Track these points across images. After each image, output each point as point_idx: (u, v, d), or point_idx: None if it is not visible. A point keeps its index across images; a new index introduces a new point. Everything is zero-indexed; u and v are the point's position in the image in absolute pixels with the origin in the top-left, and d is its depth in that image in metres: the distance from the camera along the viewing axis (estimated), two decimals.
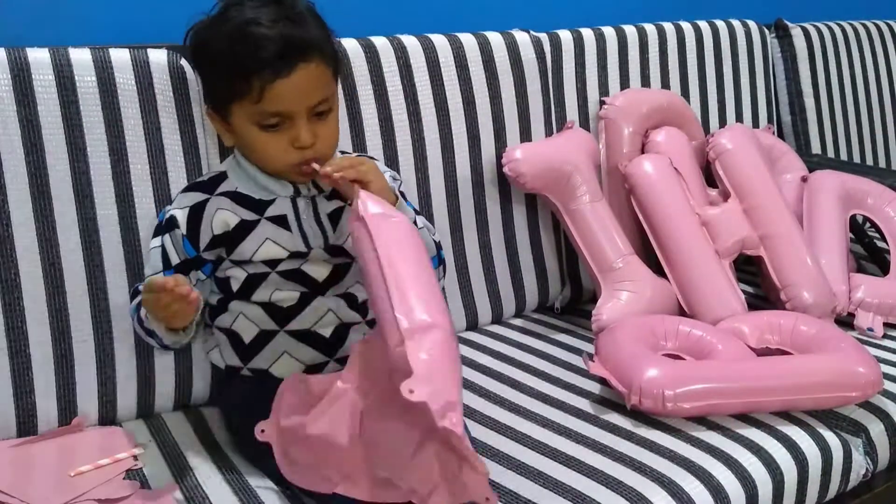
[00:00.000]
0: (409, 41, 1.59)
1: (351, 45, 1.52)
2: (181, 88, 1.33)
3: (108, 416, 1.29)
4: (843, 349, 1.40)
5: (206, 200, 1.21)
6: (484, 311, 1.68)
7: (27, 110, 1.22)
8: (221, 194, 1.22)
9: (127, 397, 1.30)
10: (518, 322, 1.71)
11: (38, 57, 1.23)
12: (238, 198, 1.22)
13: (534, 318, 1.74)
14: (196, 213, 1.21)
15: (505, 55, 1.68)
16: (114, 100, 1.27)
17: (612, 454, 1.20)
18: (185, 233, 1.20)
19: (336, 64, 1.20)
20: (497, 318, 1.70)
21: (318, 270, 1.22)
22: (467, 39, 1.65)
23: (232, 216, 1.20)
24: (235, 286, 1.22)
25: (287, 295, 1.21)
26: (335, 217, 1.24)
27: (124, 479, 1.14)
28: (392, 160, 1.53)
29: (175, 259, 1.21)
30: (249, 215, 1.21)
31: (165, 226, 1.22)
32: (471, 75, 1.63)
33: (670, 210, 1.63)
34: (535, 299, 1.76)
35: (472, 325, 1.67)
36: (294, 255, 1.21)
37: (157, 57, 1.32)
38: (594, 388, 1.40)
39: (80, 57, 1.26)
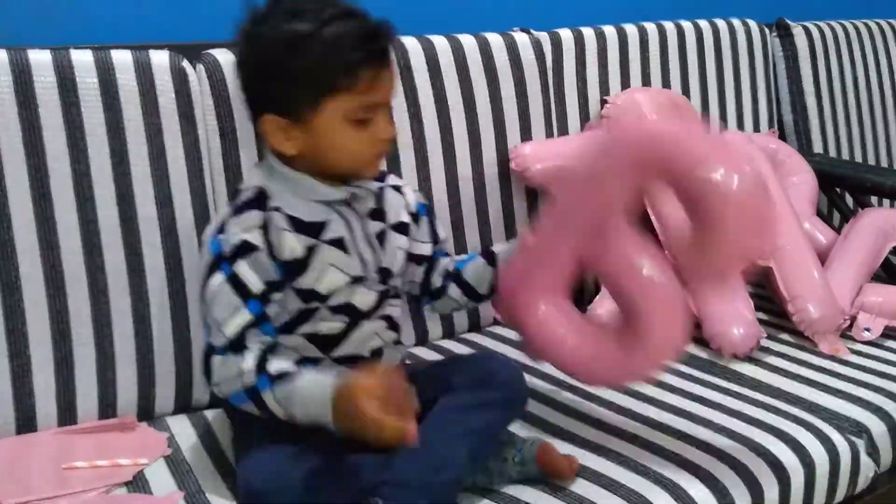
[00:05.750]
0: (410, 42, 1.58)
1: None
2: (183, 90, 1.32)
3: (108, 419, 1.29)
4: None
5: (269, 219, 1.08)
6: (486, 312, 1.67)
7: (28, 112, 1.21)
8: (274, 211, 1.09)
9: (127, 400, 1.29)
10: None
11: (40, 58, 1.23)
12: (291, 221, 1.09)
13: None
14: (266, 232, 1.07)
15: (504, 56, 1.68)
16: (115, 101, 1.27)
17: (616, 457, 1.19)
18: (267, 253, 1.07)
19: None
20: (499, 319, 1.69)
21: (365, 300, 1.15)
22: (467, 40, 1.65)
23: (295, 240, 1.09)
24: (281, 320, 1.11)
25: (331, 325, 1.14)
26: (381, 239, 1.18)
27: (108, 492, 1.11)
28: (394, 160, 1.53)
29: (257, 286, 1.05)
30: (309, 240, 1.10)
31: (236, 253, 1.06)
32: (470, 76, 1.63)
33: None
34: None
35: (475, 326, 1.67)
36: (353, 281, 1.13)
37: (159, 58, 1.31)
38: (597, 388, 1.39)
39: (82, 58, 1.25)
